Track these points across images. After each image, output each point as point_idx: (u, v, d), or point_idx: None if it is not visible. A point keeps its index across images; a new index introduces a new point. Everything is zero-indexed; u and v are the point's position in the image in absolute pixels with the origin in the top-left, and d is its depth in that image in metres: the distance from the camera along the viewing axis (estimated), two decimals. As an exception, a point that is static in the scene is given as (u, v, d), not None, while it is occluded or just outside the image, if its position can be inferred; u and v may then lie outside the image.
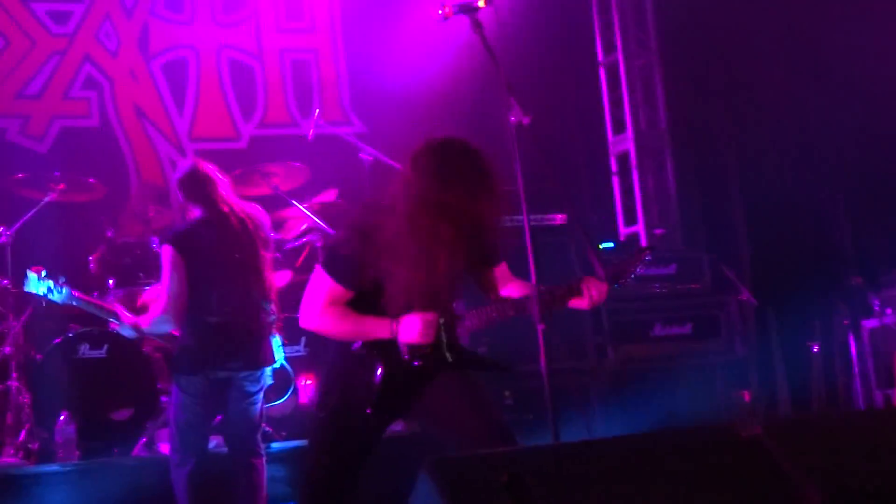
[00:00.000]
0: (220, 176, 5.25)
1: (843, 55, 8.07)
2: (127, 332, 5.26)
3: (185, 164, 5.43)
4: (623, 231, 9.39)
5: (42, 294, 5.35)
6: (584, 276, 4.01)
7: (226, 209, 5.16)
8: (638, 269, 4.13)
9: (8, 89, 8.38)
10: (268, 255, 5.27)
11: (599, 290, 3.97)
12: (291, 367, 6.50)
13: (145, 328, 5.14)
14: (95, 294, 6.54)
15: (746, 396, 7.67)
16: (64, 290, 5.31)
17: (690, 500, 2.94)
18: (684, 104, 9.27)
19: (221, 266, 5.09)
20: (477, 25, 3.95)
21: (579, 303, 4.00)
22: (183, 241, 5.08)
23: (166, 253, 5.04)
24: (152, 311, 5.12)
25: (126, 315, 5.21)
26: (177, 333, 5.20)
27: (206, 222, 5.14)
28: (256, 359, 5.13)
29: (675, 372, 7.34)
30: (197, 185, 5.19)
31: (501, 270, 4.16)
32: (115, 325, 5.32)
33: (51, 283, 5.30)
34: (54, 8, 8.61)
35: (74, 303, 5.35)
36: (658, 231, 9.03)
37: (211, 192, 5.17)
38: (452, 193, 3.80)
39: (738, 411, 7.40)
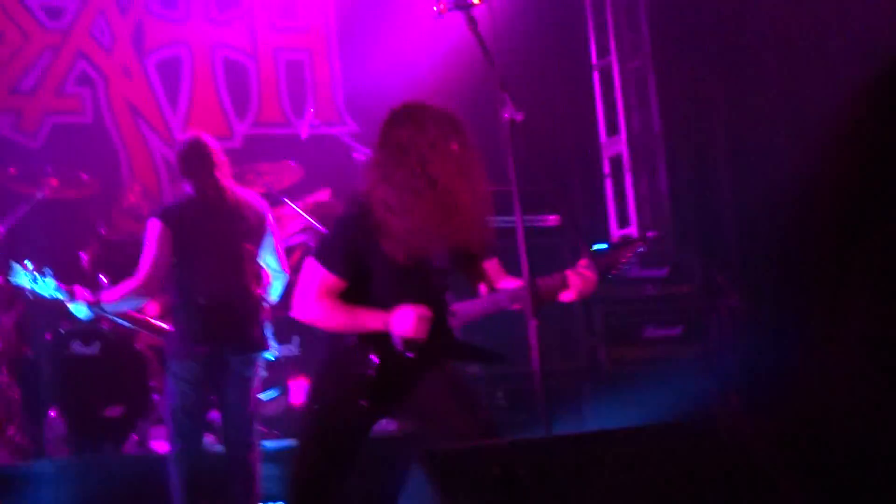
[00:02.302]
0: (220, 155, 5.18)
1: (844, 55, 8.04)
2: (79, 312, 5.16)
3: (187, 135, 5.35)
4: (615, 233, 9.39)
5: (28, 286, 5.33)
6: (570, 268, 3.98)
7: (217, 190, 5.10)
8: (631, 260, 4.06)
9: (1, 84, 8.37)
10: (255, 249, 5.21)
11: (586, 279, 3.93)
12: (284, 365, 6.50)
13: (108, 301, 5.06)
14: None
15: (734, 399, 7.68)
16: (50, 282, 5.28)
17: (674, 496, 2.96)
18: (679, 108, 9.27)
19: (211, 249, 5.05)
20: (471, 22, 3.95)
21: (568, 294, 3.97)
22: (173, 216, 5.04)
23: (152, 226, 4.99)
24: (124, 285, 5.06)
25: (84, 293, 5.13)
26: (166, 326, 5.19)
27: (197, 200, 5.09)
28: (249, 341, 5.09)
29: (665, 373, 7.35)
30: (196, 158, 5.11)
31: (493, 265, 4.15)
32: (69, 301, 5.22)
33: (37, 274, 5.29)
34: (49, 3, 8.59)
35: (61, 295, 5.32)
36: (650, 234, 9.04)
37: (208, 168, 5.09)
38: (405, 132, 3.92)
39: (725, 413, 7.40)
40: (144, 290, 5.01)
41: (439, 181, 3.85)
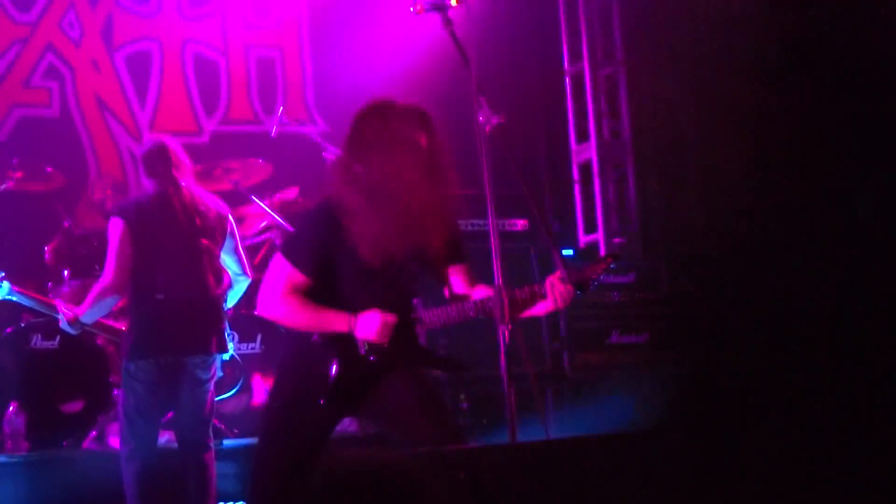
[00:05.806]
0: (183, 158, 5.21)
1: (823, 61, 8.03)
2: (69, 329, 5.14)
3: (152, 139, 5.40)
4: (583, 239, 9.39)
5: None
6: (546, 278, 3.93)
7: (175, 188, 5.11)
8: (601, 277, 3.98)
9: (-33, 76, 8.27)
10: (213, 246, 5.18)
11: (563, 292, 3.88)
12: (246, 364, 6.45)
13: (84, 313, 5.04)
14: (49, 285, 6.47)
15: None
16: (4, 286, 5.26)
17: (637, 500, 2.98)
18: (650, 115, 9.28)
19: (169, 245, 5.03)
20: (448, 23, 3.92)
21: (543, 306, 3.93)
22: (131, 213, 5.03)
23: (114, 225, 4.99)
24: (93, 290, 5.03)
25: (64, 308, 5.11)
26: (121, 326, 5.15)
27: (157, 199, 5.10)
28: (207, 344, 5.05)
29: (631, 380, 7.34)
30: (159, 161, 5.15)
31: (463, 270, 4.11)
32: (60, 321, 5.19)
33: None
34: (18, -5, 8.51)
35: (15, 298, 5.29)
36: (617, 240, 9.05)
37: (170, 170, 5.13)
38: (370, 127, 3.93)
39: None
40: (114, 290, 4.97)
41: (402, 179, 3.82)
